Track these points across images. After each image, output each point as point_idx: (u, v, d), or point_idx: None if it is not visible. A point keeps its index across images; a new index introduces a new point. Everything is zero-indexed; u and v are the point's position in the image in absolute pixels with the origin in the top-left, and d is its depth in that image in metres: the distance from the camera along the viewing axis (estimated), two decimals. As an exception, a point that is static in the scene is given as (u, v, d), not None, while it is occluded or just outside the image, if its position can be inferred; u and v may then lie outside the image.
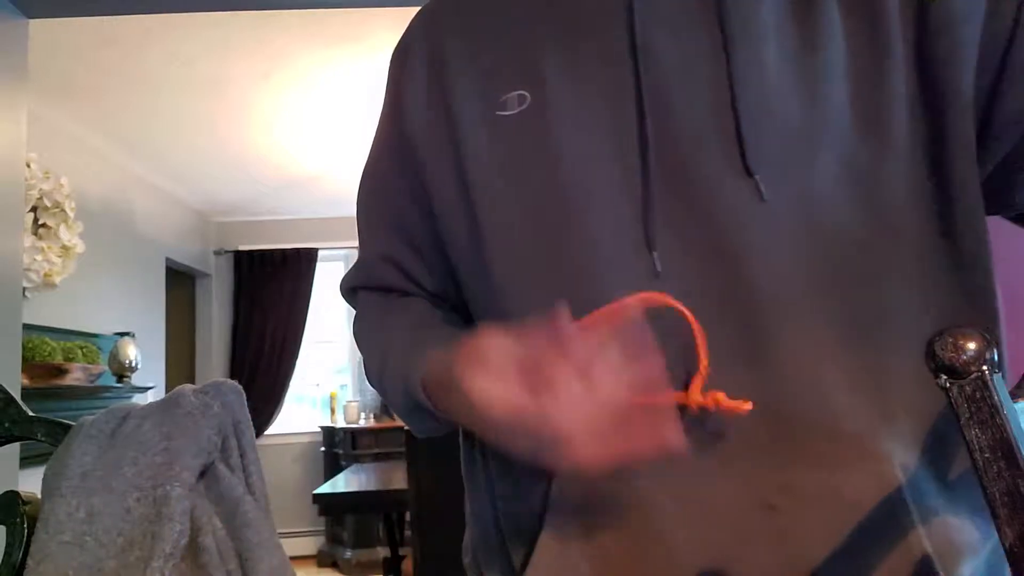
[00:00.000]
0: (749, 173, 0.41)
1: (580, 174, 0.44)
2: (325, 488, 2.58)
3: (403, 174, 0.54)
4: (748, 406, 0.39)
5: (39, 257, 2.57)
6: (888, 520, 0.40)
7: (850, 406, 0.41)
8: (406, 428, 2.35)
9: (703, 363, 0.39)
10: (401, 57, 0.56)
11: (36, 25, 1.71)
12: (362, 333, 0.59)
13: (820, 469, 0.41)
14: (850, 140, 0.42)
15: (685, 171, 0.43)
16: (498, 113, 0.47)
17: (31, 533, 0.56)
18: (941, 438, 0.42)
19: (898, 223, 0.42)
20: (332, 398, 4.50)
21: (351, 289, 0.62)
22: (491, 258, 0.47)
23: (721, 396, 0.39)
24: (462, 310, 0.55)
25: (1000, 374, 0.38)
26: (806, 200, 0.42)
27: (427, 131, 0.51)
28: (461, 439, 0.56)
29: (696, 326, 0.39)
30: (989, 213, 0.46)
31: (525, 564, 0.46)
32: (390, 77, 0.57)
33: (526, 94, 0.46)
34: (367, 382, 0.61)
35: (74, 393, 2.63)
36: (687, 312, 0.39)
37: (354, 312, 0.62)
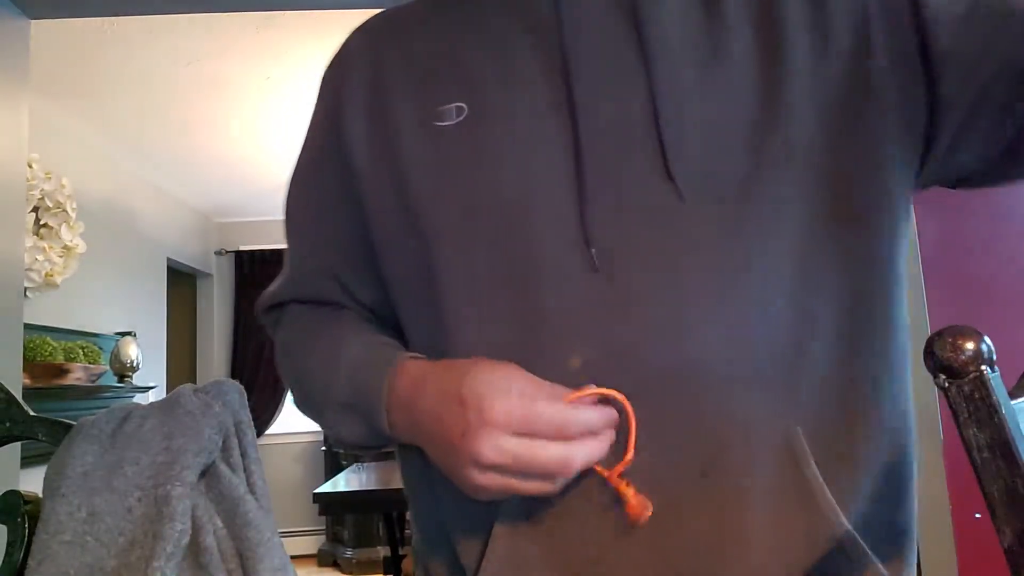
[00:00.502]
0: (670, 177, 0.45)
1: (519, 179, 0.47)
2: (326, 487, 2.58)
3: (338, 184, 0.54)
4: (648, 513, 0.42)
5: (40, 257, 2.57)
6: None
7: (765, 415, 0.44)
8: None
9: (630, 452, 0.42)
10: (338, 69, 0.58)
11: (38, 25, 1.72)
12: (295, 344, 0.58)
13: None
14: (760, 132, 0.46)
15: (617, 176, 0.46)
16: (436, 124, 0.50)
17: (32, 533, 0.56)
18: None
19: (796, 210, 0.46)
20: (333, 398, 4.50)
21: (276, 305, 0.61)
22: (434, 263, 0.49)
23: (631, 492, 0.42)
24: (390, 325, 0.56)
25: (998, 373, 0.38)
26: (722, 198, 0.45)
27: (365, 140, 0.53)
28: (398, 446, 0.55)
29: (631, 418, 0.42)
30: (926, 185, 0.50)
31: (478, 563, 0.47)
32: (326, 88, 0.59)
33: (463, 105, 0.49)
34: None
35: (75, 393, 2.63)
36: (627, 403, 0.42)
37: (277, 327, 0.61)
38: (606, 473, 0.43)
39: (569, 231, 0.45)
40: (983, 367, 0.38)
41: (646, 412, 0.43)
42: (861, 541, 0.44)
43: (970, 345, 0.38)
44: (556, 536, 0.45)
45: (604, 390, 0.42)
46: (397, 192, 0.50)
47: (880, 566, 0.44)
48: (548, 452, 0.40)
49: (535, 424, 0.40)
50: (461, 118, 0.49)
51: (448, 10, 0.54)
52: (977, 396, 0.38)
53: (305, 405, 0.56)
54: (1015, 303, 1.59)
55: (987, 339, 0.39)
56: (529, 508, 0.45)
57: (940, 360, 0.39)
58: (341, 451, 4.11)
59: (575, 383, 0.43)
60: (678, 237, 0.45)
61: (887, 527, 0.47)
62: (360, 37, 0.58)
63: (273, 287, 0.61)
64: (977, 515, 1.52)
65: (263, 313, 0.63)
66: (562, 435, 0.40)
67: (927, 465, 1.59)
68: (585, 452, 0.41)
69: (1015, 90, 0.43)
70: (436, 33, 0.54)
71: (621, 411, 0.43)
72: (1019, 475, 0.37)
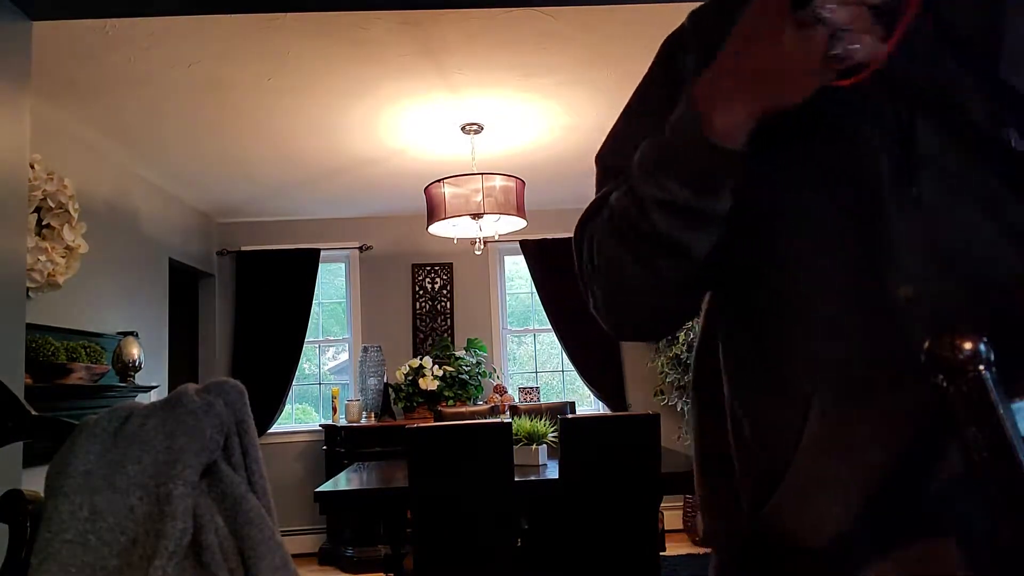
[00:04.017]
0: (1002, 121, 0.45)
1: (851, 144, 0.49)
2: (327, 486, 2.58)
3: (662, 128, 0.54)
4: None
5: (43, 257, 2.58)
6: None
7: None
8: (407, 428, 2.36)
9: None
10: (675, 47, 0.63)
11: (39, 27, 1.72)
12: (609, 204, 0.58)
13: None
14: None
15: (944, 116, 0.47)
16: None
17: (34, 532, 0.56)
18: None
19: None
20: (334, 397, 4.51)
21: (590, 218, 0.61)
22: (773, 206, 0.52)
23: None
24: None
25: (995, 373, 0.38)
26: None
27: None
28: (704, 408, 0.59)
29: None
30: None
31: (767, 501, 0.50)
32: (662, 60, 0.63)
33: None
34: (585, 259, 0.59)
35: (77, 392, 2.64)
36: None
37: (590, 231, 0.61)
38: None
39: (895, 167, 0.47)
40: (981, 367, 0.38)
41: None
42: None
43: (969, 345, 0.38)
44: (866, 464, 0.47)
45: None
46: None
47: None
48: None
49: None
50: None
51: None
52: (977, 396, 0.38)
53: (632, 227, 0.53)
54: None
55: (985, 339, 0.39)
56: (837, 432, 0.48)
57: (939, 360, 0.39)
58: (342, 450, 4.10)
59: (905, 313, 0.45)
60: (1003, 184, 0.45)
61: None
62: (693, 19, 0.62)
63: (586, 212, 0.62)
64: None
65: (578, 234, 0.62)
66: None
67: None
68: None
69: None
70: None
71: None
72: (1018, 475, 0.37)
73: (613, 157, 0.63)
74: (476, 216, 3.00)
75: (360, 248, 4.70)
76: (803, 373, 0.49)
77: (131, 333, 3.22)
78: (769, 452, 0.51)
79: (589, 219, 0.60)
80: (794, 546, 0.49)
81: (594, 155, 0.67)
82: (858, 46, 0.42)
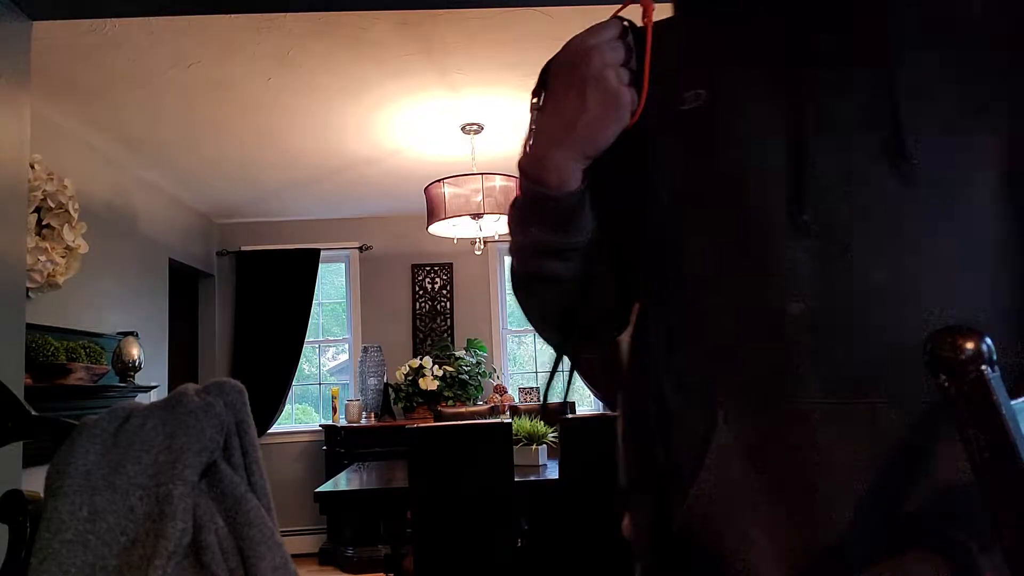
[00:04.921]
0: (902, 157, 0.50)
1: (748, 153, 0.54)
2: (327, 486, 2.58)
3: None
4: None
5: (43, 257, 2.58)
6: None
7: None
8: (407, 428, 2.36)
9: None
10: None
11: (39, 26, 1.72)
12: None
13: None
14: (970, 129, 0.51)
15: (846, 155, 0.52)
16: (680, 108, 0.58)
17: (34, 532, 0.56)
18: None
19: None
20: (334, 397, 4.51)
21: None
22: (675, 223, 0.57)
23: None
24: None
25: (999, 372, 0.38)
26: (954, 182, 0.50)
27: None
28: (628, 403, 0.63)
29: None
30: None
31: (682, 504, 0.53)
32: None
33: (702, 92, 0.57)
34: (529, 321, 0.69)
35: (77, 393, 2.64)
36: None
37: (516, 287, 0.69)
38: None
39: (788, 198, 0.52)
40: (983, 367, 0.38)
41: (857, 362, 0.49)
42: None
43: (970, 345, 0.38)
44: (767, 464, 0.51)
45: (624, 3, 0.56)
46: (646, 167, 0.58)
47: None
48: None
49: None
50: (699, 102, 0.57)
51: (702, 16, 0.62)
52: (978, 396, 0.38)
53: (536, 281, 0.63)
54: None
55: (987, 339, 0.39)
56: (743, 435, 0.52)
57: (940, 359, 0.38)
58: (342, 450, 4.10)
59: (795, 328, 0.50)
60: (900, 213, 0.50)
61: None
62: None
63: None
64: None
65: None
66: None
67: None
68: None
69: None
70: (681, 38, 0.62)
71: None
72: (1020, 476, 0.37)
73: None
74: (476, 216, 3.00)
75: (360, 248, 4.70)
76: (709, 386, 0.54)
77: (131, 333, 3.22)
78: (680, 461, 0.55)
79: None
80: (706, 554, 0.53)
81: None
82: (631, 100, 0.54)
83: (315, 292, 4.57)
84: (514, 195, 0.62)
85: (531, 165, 0.57)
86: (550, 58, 0.57)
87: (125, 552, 0.53)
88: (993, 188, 0.51)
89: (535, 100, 0.56)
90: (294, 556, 3.04)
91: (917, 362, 0.45)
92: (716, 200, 0.55)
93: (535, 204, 0.58)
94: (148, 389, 3.18)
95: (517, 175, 0.61)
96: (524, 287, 0.65)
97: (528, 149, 0.58)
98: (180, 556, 0.52)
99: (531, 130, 0.56)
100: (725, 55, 0.58)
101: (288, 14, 2.21)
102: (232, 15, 2.16)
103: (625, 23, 0.56)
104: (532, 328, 0.69)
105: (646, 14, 0.56)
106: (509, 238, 0.64)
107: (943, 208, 0.50)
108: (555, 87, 0.56)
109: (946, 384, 0.38)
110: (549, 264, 0.60)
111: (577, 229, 0.58)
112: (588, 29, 0.55)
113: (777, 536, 0.50)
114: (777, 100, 0.53)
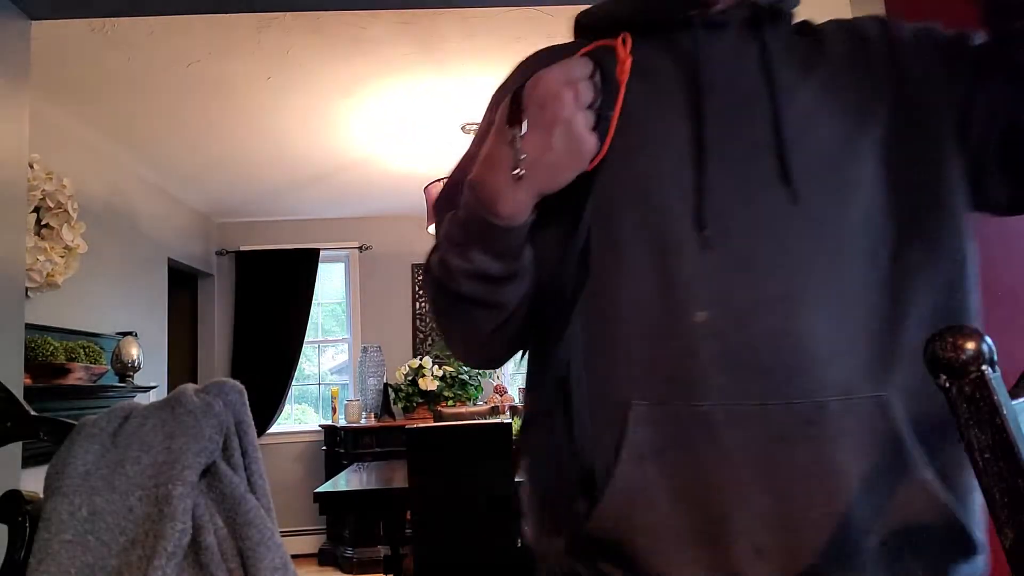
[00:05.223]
0: (788, 182, 0.56)
1: (654, 173, 0.59)
2: (326, 487, 2.58)
3: None
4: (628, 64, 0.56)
5: (42, 257, 2.58)
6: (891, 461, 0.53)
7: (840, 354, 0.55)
8: (407, 428, 2.36)
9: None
10: (506, 88, 0.70)
11: (38, 26, 1.72)
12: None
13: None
14: (854, 149, 0.58)
15: (742, 177, 0.58)
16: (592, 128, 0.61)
17: (33, 532, 0.56)
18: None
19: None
20: (333, 397, 4.51)
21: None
22: (589, 240, 0.60)
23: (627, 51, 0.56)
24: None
25: (999, 373, 0.38)
26: (833, 205, 0.57)
27: None
28: (528, 420, 0.67)
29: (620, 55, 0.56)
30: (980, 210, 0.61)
31: (592, 507, 0.56)
32: (495, 104, 0.71)
33: (611, 114, 0.60)
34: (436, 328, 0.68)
35: (76, 393, 2.64)
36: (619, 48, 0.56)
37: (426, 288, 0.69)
38: (617, 41, 0.55)
39: (690, 215, 0.57)
40: (984, 367, 0.38)
41: (758, 365, 0.53)
42: (944, 491, 0.52)
43: (971, 345, 0.38)
44: (677, 464, 0.54)
45: (597, 43, 0.57)
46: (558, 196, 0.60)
47: (963, 518, 0.52)
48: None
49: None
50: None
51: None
52: (979, 396, 0.38)
53: (451, 298, 0.62)
54: (1015, 302, 1.59)
55: (988, 339, 0.39)
56: (653, 440, 0.55)
57: (941, 360, 0.38)
58: (341, 451, 4.10)
59: (700, 335, 0.54)
60: (789, 228, 0.56)
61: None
62: (525, 70, 0.70)
63: (425, 262, 0.71)
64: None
65: (425, 274, 0.71)
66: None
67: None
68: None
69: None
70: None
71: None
72: (1021, 476, 0.37)
73: (445, 210, 0.71)
74: (476, 216, 3.00)
75: (360, 248, 4.70)
76: (620, 390, 0.56)
77: (130, 333, 3.22)
78: (593, 461, 0.57)
79: (427, 270, 0.68)
80: (618, 556, 0.56)
81: None
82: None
83: (314, 292, 4.57)
84: None
85: (485, 192, 0.57)
86: (520, 86, 0.56)
87: (124, 552, 0.53)
88: (866, 205, 0.57)
89: (516, 130, 0.55)
90: (293, 557, 3.04)
91: (808, 366, 0.52)
92: (629, 214, 0.59)
93: (482, 231, 0.57)
94: (147, 389, 3.17)
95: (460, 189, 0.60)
96: (452, 308, 0.63)
97: (485, 176, 0.57)
98: (179, 556, 0.52)
99: (519, 160, 0.55)
100: (632, 82, 0.60)
101: (287, 13, 2.21)
102: (231, 14, 2.16)
103: (593, 62, 0.56)
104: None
105: (621, 66, 0.55)
106: (437, 252, 0.63)
107: (824, 225, 0.56)
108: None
109: (947, 384, 0.38)
110: (482, 288, 0.60)
111: (519, 257, 0.60)
112: (560, 65, 0.55)
113: (687, 536, 0.54)
114: (679, 128, 0.59)
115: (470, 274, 0.59)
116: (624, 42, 0.55)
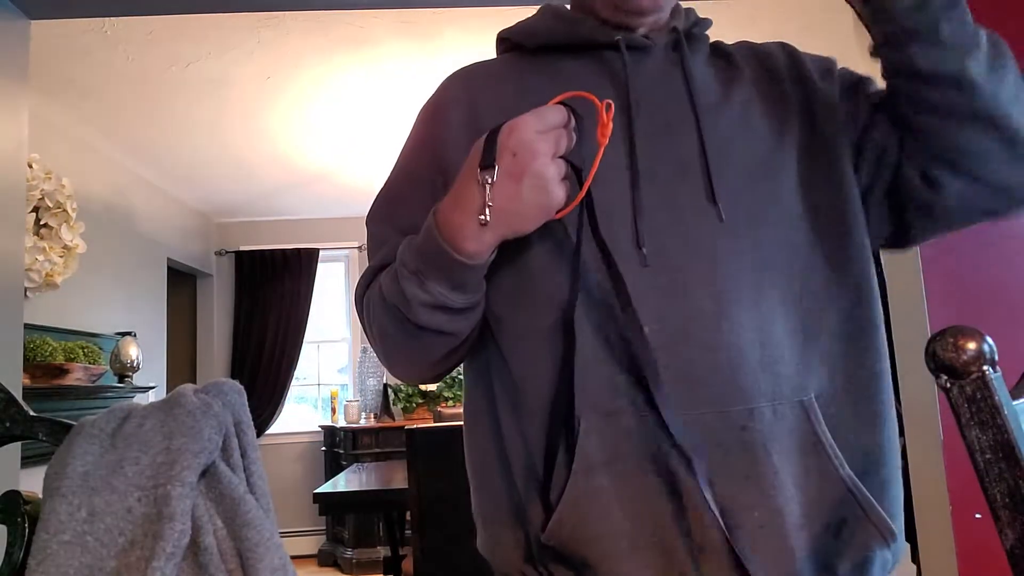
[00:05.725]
0: (714, 202, 0.61)
1: (604, 195, 0.61)
2: (326, 487, 2.58)
3: (433, 201, 0.62)
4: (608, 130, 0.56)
5: (40, 257, 2.57)
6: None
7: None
8: (407, 428, 2.36)
9: (606, 112, 0.56)
10: (437, 109, 0.73)
11: (38, 26, 1.72)
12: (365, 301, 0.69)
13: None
14: (772, 170, 0.64)
15: (671, 199, 0.62)
16: None
17: (32, 533, 0.56)
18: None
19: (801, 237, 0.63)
20: (333, 398, 4.50)
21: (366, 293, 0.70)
22: (527, 258, 0.63)
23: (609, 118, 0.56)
24: None
25: (1000, 373, 0.38)
26: (755, 223, 0.61)
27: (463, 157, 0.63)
28: (472, 423, 0.69)
29: (599, 103, 0.56)
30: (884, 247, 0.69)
31: (547, 516, 0.58)
32: (425, 122, 0.73)
33: None
34: (371, 361, 0.68)
35: (75, 393, 2.63)
36: (593, 99, 0.57)
37: (362, 315, 0.70)
38: (601, 106, 0.56)
39: (629, 235, 0.60)
40: (985, 367, 0.38)
41: (696, 378, 0.57)
42: (862, 486, 0.56)
43: (972, 345, 0.38)
44: (626, 473, 0.57)
45: (574, 93, 0.58)
46: None
47: (880, 510, 0.56)
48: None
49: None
50: None
51: (532, 60, 0.71)
52: (979, 397, 0.38)
53: (394, 321, 0.62)
54: (1015, 303, 1.59)
55: (989, 339, 0.39)
56: (601, 452, 0.57)
57: (942, 360, 0.38)
58: (341, 451, 4.10)
59: (650, 347, 0.57)
60: (717, 247, 0.60)
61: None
62: (457, 83, 0.73)
63: (363, 277, 0.72)
64: (977, 515, 1.51)
65: (358, 302, 0.72)
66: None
67: (927, 465, 1.59)
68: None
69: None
70: (521, 78, 0.69)
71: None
72: (1022, 477, 0.37)
73: (382, 225, 0.73)
74: (475, 216, 3.00)
75: (359, 248, 4.70)
76: (575, 400, 0.58)
77: (129, 333, 3.22)
78: (545, 475, 0.59)
79: (367, 287, 0.69)
80: (573, 564, 0.58)
81: None
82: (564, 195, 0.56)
83: (314, 292, 4.57)
84: None
85: (450, 229, 0.56)
86: (495, 128, 0.56)
87: (123, 553, 0.53)
88: (784, 221, 0.62)
89: (487, 175, 0.54)
90: (293, 557, 3.04)
91: (739, 376, 0.56)
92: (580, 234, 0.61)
93: (442, 264, 0.57)
94: (146, 389, 3.17)
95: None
96: (402, 334, 0.63)
97: (451, 215, 0.57)
98: (178, 558, 0.52)
99: (487, 207, 0.54)
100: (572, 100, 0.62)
101: (287, 13, 2.21)
102: (230, 13, 2.16)
103: (568, 110, 0.56)
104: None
105: (602, 130, 0.55)
106: (390, 277, 0.62)
107: (748, 242, 0.60)
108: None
109: (947, 385, 0.38)
110: (440, 318, 0.60)
111: (478, 290, 0.61)
112: (535, 113, 0.55)
113: (642, 543, 0.56)
114: (617, 148, 0.62)
115: (429, 305, 0.59)
116: (608, 108, 0.55)
